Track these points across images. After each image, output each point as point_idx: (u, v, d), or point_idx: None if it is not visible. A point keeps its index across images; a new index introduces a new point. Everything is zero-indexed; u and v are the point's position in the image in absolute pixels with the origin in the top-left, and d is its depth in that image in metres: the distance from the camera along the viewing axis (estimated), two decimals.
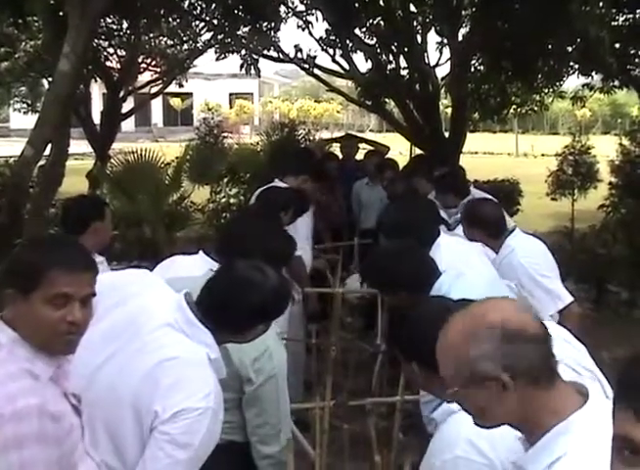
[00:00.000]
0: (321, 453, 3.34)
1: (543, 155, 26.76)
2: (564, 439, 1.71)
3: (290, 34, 12.04)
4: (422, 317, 2.36)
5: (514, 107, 11.80)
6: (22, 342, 1.91)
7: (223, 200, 10.74)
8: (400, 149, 16.77)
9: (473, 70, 10.91)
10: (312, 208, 6.37)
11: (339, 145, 9.61)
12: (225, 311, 2.42)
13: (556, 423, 1.72)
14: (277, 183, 5.72)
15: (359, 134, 14.17)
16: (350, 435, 4.20)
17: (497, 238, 4.16)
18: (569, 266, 8.15)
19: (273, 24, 10.34)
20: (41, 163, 7.07)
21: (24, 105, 20.29)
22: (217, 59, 11.20)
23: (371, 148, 9.54)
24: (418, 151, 11.51)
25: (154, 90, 15.13)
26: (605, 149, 12.69)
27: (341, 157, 8.89)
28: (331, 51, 10.84)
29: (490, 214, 4.26)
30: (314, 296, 5.57)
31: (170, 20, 12.04)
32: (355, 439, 4.25)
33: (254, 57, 10.53)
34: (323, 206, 7.02)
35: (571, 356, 2.61)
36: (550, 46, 9.91)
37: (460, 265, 3.45)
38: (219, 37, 10.93)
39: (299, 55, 10.63)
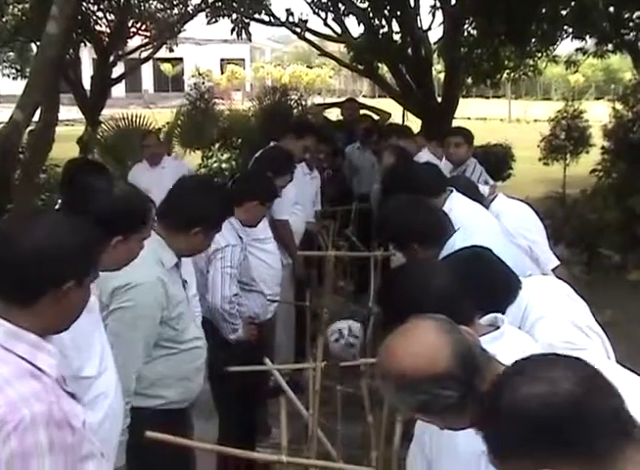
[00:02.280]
0: (314, 414, 3.35)
1: (536, 120, 26.65)
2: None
3: None
4: (410, 279, 2.36)
5: (507, 71, 11.74)
6: (21, 334, 1.85)
7: (215, 165, 10.70)
8: (392, 114, 16.66)
9: (466, 33, 10.84)
10: (316, 172, 6.37)
11: (339, 110, 9.56)
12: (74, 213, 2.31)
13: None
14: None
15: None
16: (343, 396, 4.23)
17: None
18: (560, 231, 8.19)
19: None
20: (31, 127, 7.02)
21: (13, 70, 20.09)
22: (208, 23, 11.09)
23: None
24: (410, 116, 11.46)
25: (144, 55, 14.99)
26: (598, 114, 12.64)
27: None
28: (323, 15, 10.74)
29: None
30: (301, 260, 5.57)
31: None
32: (348, 400, 4.28)
33: (245, 21, 10.43)
34: (330, 174, 7.06)
35: (578, 315, 2.61)
36: (543, 9, 9.85)
37: (472, 223, 3.43)
38: (210, 1, 10.81)
39: (291, 19, 10.54)
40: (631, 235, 8.55)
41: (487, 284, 2.57)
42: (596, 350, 2.52)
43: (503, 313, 2.53)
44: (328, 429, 3.71)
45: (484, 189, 4.56)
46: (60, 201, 3.70)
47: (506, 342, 2.07)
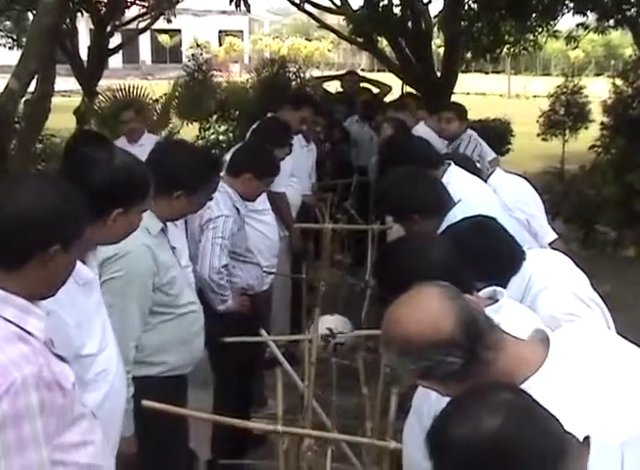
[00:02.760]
0: (310, 385, 3.36)
1: (535, 96, 26.55)
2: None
3: None
4: (407, 251, 2.35)
5: (507, 46, 11.66)
6: (8, 298, 1.85)
7: (212, 136, 10.65)
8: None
9: (466, 7, 10.74)
10: (312, 144, 6.34)
11: (339, 83, 9.50)
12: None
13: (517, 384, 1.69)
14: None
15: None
16: (338, 368, 4.24)
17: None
18: (558, 206, 8.19)
19: None
20: (27, 98, 6.97)
21: (9, 40, 19.90)
22: None
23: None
24: (409, 90, 11.40)
25: (141, 26, 14.85)
26: (597, 90, 12.60)
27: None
28: None
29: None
30: (297, 232, 5.56)
31: None
32: (343, 372, 4.29)
33: None
34: (328, 147, 7.03)
35: (579, 286, 2.61)
36: None
37: (471, 196, 3.41)
38: None
39: None
40: (629, 211, 8.55)
41: (493, 253, 2.58)
42: (597, 320, 2.52)
43: (507, 283, 2.54)
44: (323, 400, 3.72)
45: (485, 163, 4.56)
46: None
47: (504, 315, 2.07)
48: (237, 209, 4.20)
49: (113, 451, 2.46)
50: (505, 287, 2.52)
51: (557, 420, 1.43)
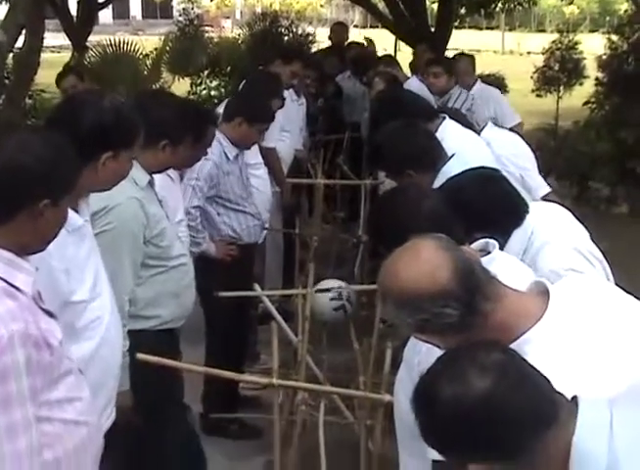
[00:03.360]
0: (304, 339, 3.36)
1: (529, 53, 26.36)
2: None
3: None
4: (399, 204, 2.33)
5: (501, 1, 11.53)
6: None
7: (204, 92, 10.55)
8: (385, 45, 16.45)
9: None
10: (303, 99, 6.28)
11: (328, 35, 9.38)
12: (63, 129, 2.26)
13: (514, 338, 1.68)
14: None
15: None
16: (331, 324, 4.25)
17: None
18: (551, 163, 8.15)
19: None
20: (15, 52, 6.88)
21: None
22: None
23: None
24: (403, 46, 11.29)
25: None
26: (592, 46, 12.49)
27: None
28: None
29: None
30: (289, 187, 5.53)
31: None
32: (336, 327, 4.30)
33: None
34: (322, 102, 6.97)
35: (581, 241, 2.59)
36: None
37: (466, 150, 3.38)
38: None
39: None
40: (622, 168, 8.53)
41: (497, 204, 2.55)
42: (598, 275, 2.51)
43: (509, 236, 2.53)
44: (315, 356, 3.74)
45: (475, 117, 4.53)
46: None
47: (497, 267, 2.05)
48: (226, 155, 4.18)
49: (110, 402, 2.48)
50: (507, 240, 2.52)
51: (548, 381, 1.43)
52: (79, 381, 1.98)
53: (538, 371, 1.44)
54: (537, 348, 1.64)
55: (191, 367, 2.43)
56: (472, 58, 6.48)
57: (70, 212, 2.10)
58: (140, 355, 2.37)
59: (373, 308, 3.99)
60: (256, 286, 3.66)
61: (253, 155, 4.61)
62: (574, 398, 1.42)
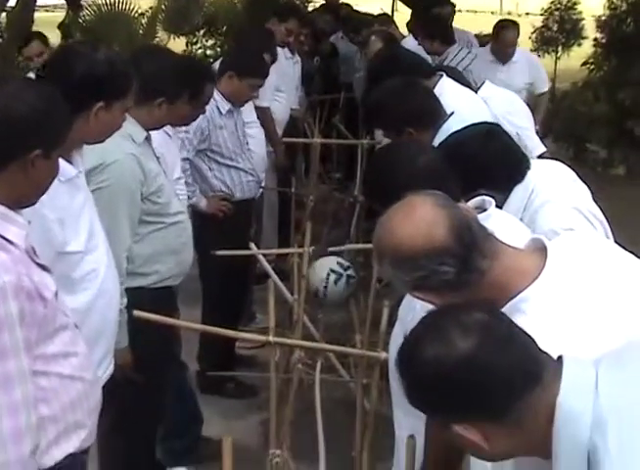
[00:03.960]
0: (300, 297, 3.36)
1: (528, 13, 26.08)
2: (518, 316, 1.60)
3: None
4: (395, 159, 2.30)
5: None
6: None
7: (199, 51, 10.45)
8: (382, 4, 16.27)
9: None
10: (297, 57, 6.21)
11: None
12: (55, 79, 2.26)
13: (511, 296, 1.65)
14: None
15: None
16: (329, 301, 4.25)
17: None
18: (548, 124, 8.11)
19: None
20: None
21: None
22: None
23: None
24: (400, 6, 11.16)
25: None
26: (591, 7, 12.36)
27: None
28: None
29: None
30: (283, 148, 5.50)
31: None
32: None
33: None
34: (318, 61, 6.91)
35: (582, 200, 2.57)
36: None
37: (465, 108, 3.33)
38: None
39: None
40: (620, 129, 8.50)
41: (499, 160, 2.53)
42: (598, 235, 2.49)
43: (510, 193, 2.51)
44: (311, 315, 3.74)
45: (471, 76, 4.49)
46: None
47: (493, 224, 2.03)
48: (218, 109, 4.14)
49: (107, 356, 2.49)
50: (508, 196, 2.50)
51: (533, 341, 1.41)
52: (75, 336, 1.98)
53: (523, 331, 1.42)
54: (534, 306, 1.62)
55: (188, 324, 2.43)
56: (517, 26, 6.30)
57: (63, 163, 2.09)
58: (137, 313, 2.36)
59: (369, 268, 3.99)
60: (252, 245, 3.65)
61: (247, 113, 4.57)
62: (560, 357, 1.40)
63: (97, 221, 2.47)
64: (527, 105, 4.27)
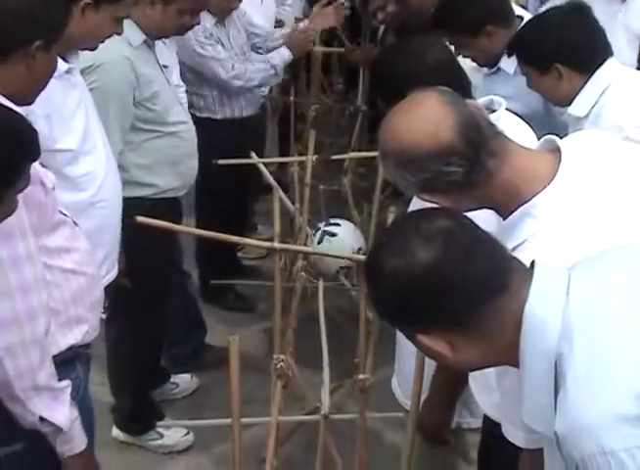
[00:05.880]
0: (304, 205, 3.32)
1: None
2: (529, 221, 1.58)
3: None
4: (402, 56, 2.20)
5: None
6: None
7: None
8: None
9: None
10: None
11: None
12: None
13: (522, 201, 1.58)
14: None
15: None
16: (326, 194, 4.22)
17: None
18: None
19: None
20: None
21: None
22: None
23: None
24: None
25: None
26: None
27: None
28: None
29: None
30: None
31: None
32: (332, 197, 4.28)
33: None
34: None
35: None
36: None
37: None
38: None
39: None
40: None
41: (588, 39, 2.52)
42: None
43: (589, 74, 2.50)
44: (312, 226, 3.71)
45: None
46: None
47: (502, 125, 1.95)
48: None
49: (108, 257, 2.49)
50: (586, 81, 2.50)
51: (500, 246, 1.35)
52: (76, 233, 2.00)
53: (490, 236, 1.36)
54: (545, 211, 1.56)
55: (191, 230, 2.38)
56: None
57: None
58: (140, 218, 2.32)
59: (372, 178, 3.96)
60: (253, 154, 3.59)
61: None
62: (532, 262, 1.35)
63: (96, 125, 2.44)
64: None
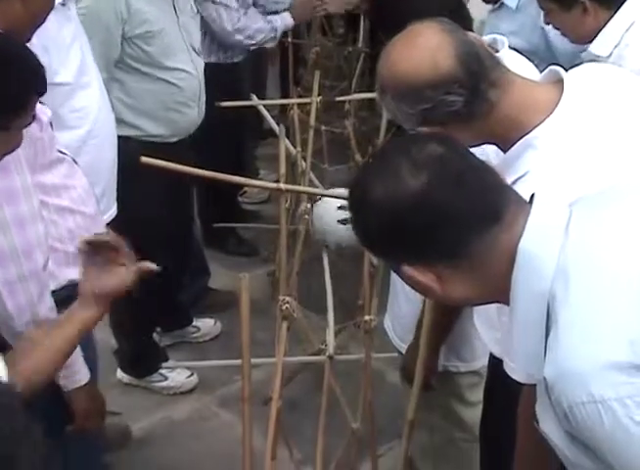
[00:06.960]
0: (308, 150, 3.29)
1: None
2: (530, 152, 1.54)
3: None
4: None
5: None
6: None
7: None
8: None
9: None
10: None
11: None
12: None
13: (524, 133, 1.54)
14: None
15: None
16: (329, 138, 4.18)
17: None
18: None
19: None
20: None
21: None
22: None
23: None
24: None
25: None
26: None
27: None
28: None
29: None
30: None
31: None
32: (334, 140, 4.24)
33: None
34: None
35: None
36: None
37: None
38: None
39: None
40: None
41: None
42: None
43: (614, 9, 2.41)
44: (316, 169, 3.69)
45: None
46: None
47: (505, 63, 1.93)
48: None
49: (105, 195, 2.48)
50: (610, 18, 2.42)
51: (495, 176, 1.28)
52: (74, 170, 1.99)
53: (485, 164, 1.30)
54: (547, 141, 1.54)
55: (196, 171, 2.35)
56: None
57: None
58: (145, 159, 2.29)
59: (374, 122, 3.92)
60: (254, 97, 3.55)
61: None
62: (532, 196, 1.28)
63: (90, 57, 2.43)
64: None
